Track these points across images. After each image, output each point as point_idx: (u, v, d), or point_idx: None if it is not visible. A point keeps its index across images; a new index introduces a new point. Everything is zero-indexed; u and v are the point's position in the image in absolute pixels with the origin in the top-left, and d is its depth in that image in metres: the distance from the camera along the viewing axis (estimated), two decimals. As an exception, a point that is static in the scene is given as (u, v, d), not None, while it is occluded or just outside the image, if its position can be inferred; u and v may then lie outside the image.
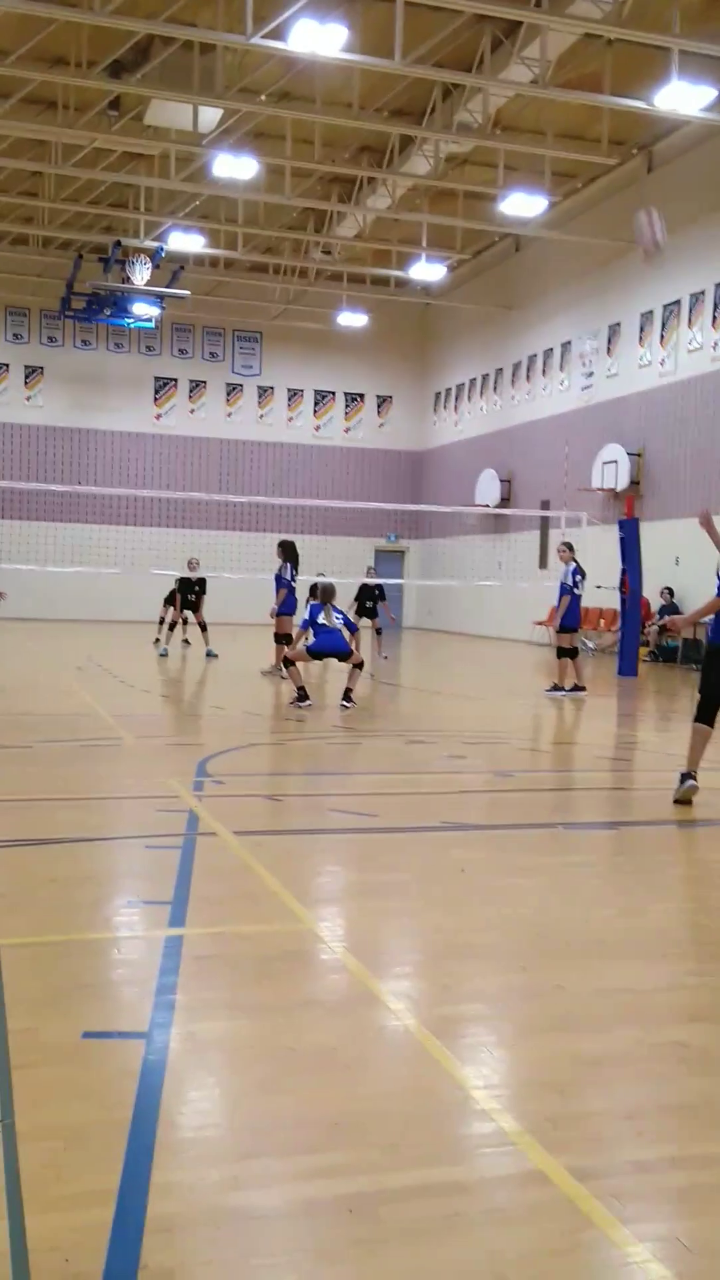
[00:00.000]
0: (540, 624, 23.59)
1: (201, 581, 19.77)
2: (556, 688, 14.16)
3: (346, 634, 12.06)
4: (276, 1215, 2.47)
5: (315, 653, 12.17)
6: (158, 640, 20.27)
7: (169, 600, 20.41)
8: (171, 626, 20.06)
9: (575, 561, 14.47)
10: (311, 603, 12.42)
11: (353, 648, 12.28)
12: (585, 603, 22.96)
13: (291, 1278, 2.25)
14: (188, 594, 19.85)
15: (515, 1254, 2.33)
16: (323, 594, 12.30)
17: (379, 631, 20.39)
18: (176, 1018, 3.50)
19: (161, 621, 20.61)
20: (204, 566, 20.29)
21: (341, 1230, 2.40)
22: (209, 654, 18.93)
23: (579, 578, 14.38)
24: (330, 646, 12.10)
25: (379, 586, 20.51)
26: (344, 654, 12.10)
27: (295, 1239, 2.38)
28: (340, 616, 12.22)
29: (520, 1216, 2.46)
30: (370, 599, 20.23)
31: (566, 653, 14.28)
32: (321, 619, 12.18)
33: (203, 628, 19.59)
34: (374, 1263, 2.29)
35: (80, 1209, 2.45)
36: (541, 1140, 2.78)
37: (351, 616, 14.73)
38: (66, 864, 5.45)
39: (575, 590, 14.32)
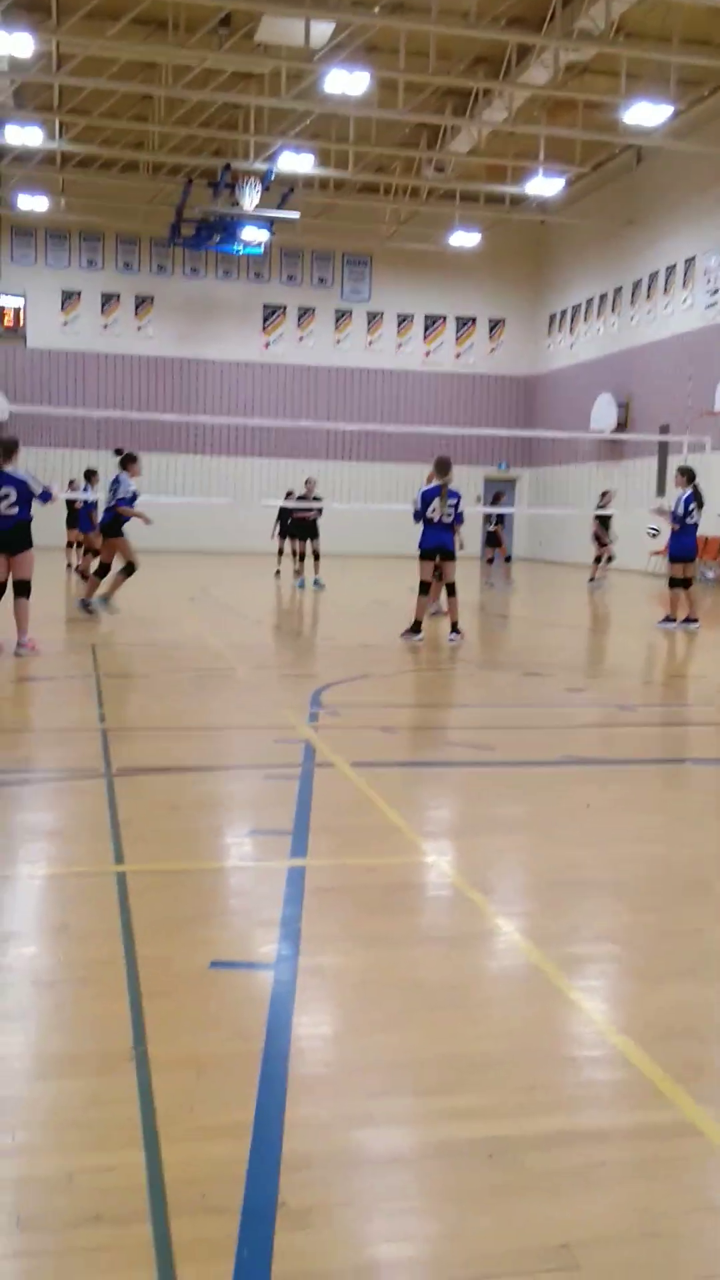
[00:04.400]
0: (656, 554, 22.96)
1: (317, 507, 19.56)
2: (669, 619, 13.71)
3: (454, 528, 11.45)
4: (414, 1157, 2.41)
5: (424, 552, 11.74)
6: (278, 572, 20.31)
7: (283, 532, 20.41)
8: (296, 556, 19.99)
9: (692, 488, 13.78)
10: (424, 488, 11.73)
11: (455, 547, 11.60)
12: (706, 531, 22.35)
13: (433, 1224, 2.19)
14: (295, 521, 19.73)
15: (667, 1209, 2.23)
16: (438, 469, 11.60)
17: (507, 559, 20.81)
18: (302, 949, 3.46)
19: (280, 553, 20.65)
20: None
21: (483, 1176, 2.33)
22: (317, 584, 18.90)
23: (691, 506, 13.67)
24: (436, 543, 11.57)
25: (500, 516, 20.64)
26: (449, 554, 11.63)
27: (435, 1183, 2.32)
28: (454, 501, 11.59)
29: (671, 1170, 2.36)
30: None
31: (678, 583, 13.73)
32: (435, 508, 11.55)
33: (315, 556, 19.53)
34: (519, 1211, 2.22)
35: (215, 1141, 2.43)
36: (688, 1089, 2.67)
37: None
38: (187, 793, 5.47)
39: (686, 519, 13.65)
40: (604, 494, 21.45)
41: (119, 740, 6.51)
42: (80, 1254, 2.07)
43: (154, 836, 4.67)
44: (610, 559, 21.24)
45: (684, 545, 13.70)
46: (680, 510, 13.62)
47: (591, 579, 21.19)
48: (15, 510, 9.76)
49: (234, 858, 4.55)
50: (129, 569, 12.79)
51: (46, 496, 9.91)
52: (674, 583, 13.77)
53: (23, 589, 9.85)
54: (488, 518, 21.02)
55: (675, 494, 13.91)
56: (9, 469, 9.80)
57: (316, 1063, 2.81)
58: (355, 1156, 2.39)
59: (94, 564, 14.44)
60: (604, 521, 20.94)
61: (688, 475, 13.86)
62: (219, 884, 4.16)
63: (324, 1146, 2.42)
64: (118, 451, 12.66)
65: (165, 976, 3.24)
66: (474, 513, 22.19)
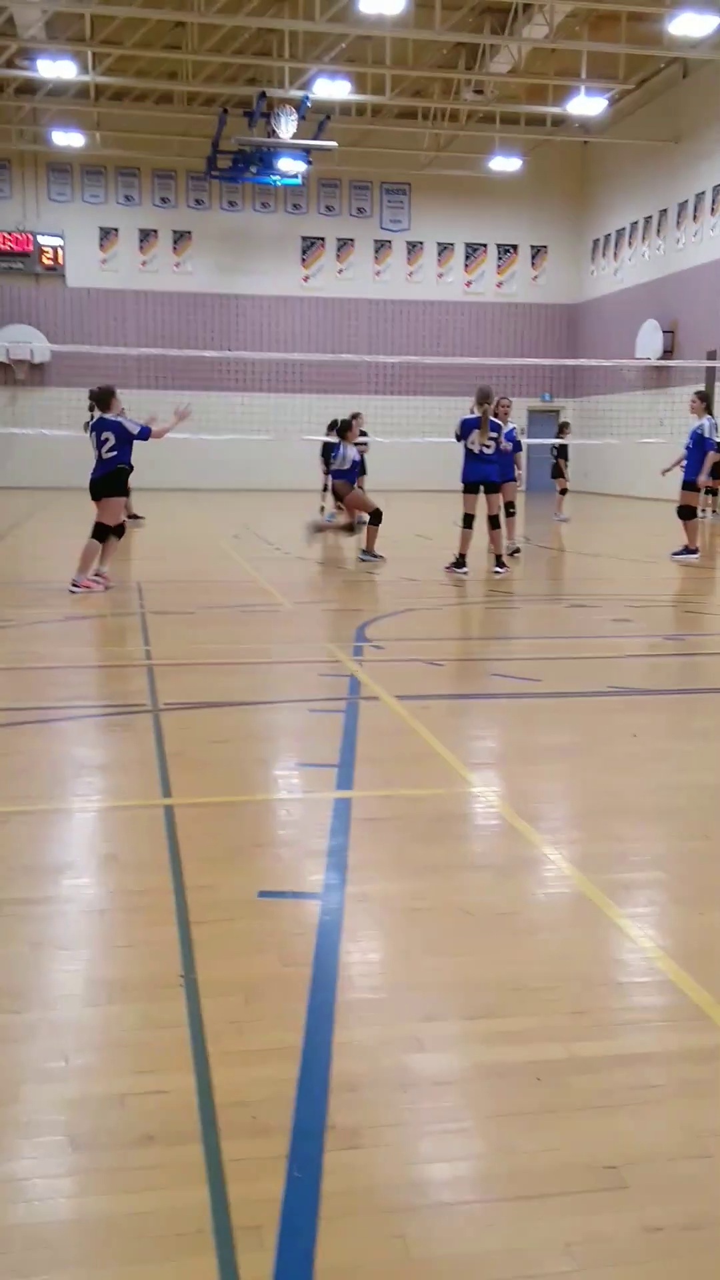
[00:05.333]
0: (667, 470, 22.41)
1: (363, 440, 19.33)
2: (688, 550, 13.45)
3: (503, 453, 11.18)
4: (462, 1079, 2.42)
5: (467, 485, 11.51)
6: (322, 509, 20.20)
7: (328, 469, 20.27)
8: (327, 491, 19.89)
9: (709, 416, 13.40)
10: (464, 417, 11.51)
11: (514, 475, 11.18)
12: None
13: (481, 1144, 2.21)
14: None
15: (714, 1128, 2.23)
16: (480, 399, 11.39)
17: (562, 492, 20.75)
18: (350, 878, 3.48)
19: (325, 489, 20.53)
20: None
21: (530, 1097, 2.34)
22: (360, 521, 18.77)
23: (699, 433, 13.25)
24: (479, 476, 11.35)
25: (563, 446, 20.56)
26: (494, 486, 11.41)
27: (483, 1104, 2.34)
28: (495, 433, 11.33)
29: (717, 1090, 2.35)
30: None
31: (686, 512, 13.43)
32: (474, 440, 11.29)
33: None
34: (567, 1131, 2.23)
35: (264, 1064, 2.46)
36: (735, 1014, 2.66)
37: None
38: (234, 726, 5.49)
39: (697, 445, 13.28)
40: (563, 425, 21.12)
41: (165, 676, 6.55)
42: (134, 1173, 2.11)
43: (201, 769, 4.70)
44: (563, 491, 20.85)
45: (691, 471, 13.33)
46: (688, 441, 13.28)
47: (558, 512, 20.78)
48: (114, 454, 10.00)
49: (280, 790, 4.57)
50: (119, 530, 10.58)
51: (145, 433, 10.07)
52: (688, 511, 13.44)
53: (98, 531, 10.04)
54: (550, 449, 20.83)
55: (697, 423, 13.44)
56: (107, 415, 10.08)
57: (364, 987, 2.83)
58: (403, 1079, 2.41)
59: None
60: (563, 452, 20.63)
61: (700, 398, 13.58)
62: (266, 816, 4.19)
63: (372, 1069, 2.44)
64: (92, 394, 10.72)
65: (213, 905, 3.27)
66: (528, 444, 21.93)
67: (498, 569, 11.52)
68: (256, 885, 3.42)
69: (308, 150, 27.27)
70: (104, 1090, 2.36)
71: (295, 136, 26.64)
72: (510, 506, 13.03)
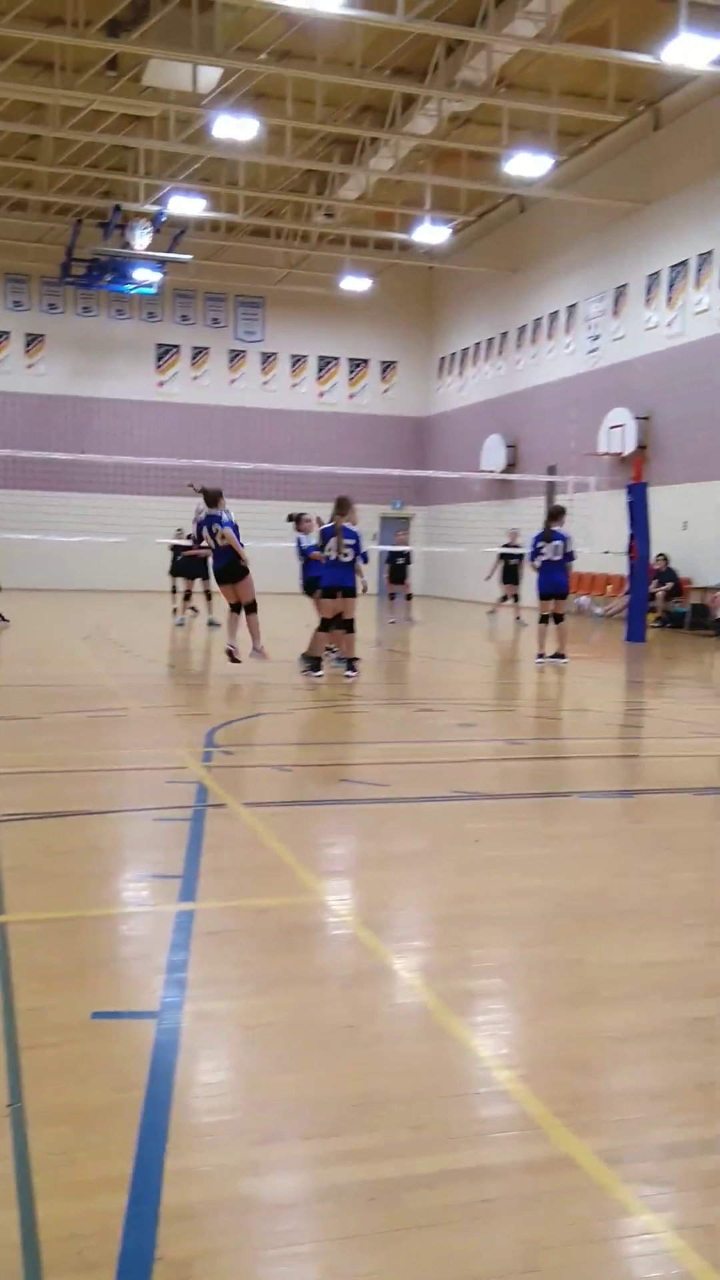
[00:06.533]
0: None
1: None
2: (541, 655, 14.07)
3: (355, 564, 11.56)
4: (297, 1202, 2.38)
5: (324, 590, 11.79)
6: (175, 610, 20.14)
7: (175, 570, 20.32)
8: (185, 596, 19.89)
9: (542, 528, 14.34)
10: (325, 526, 11.89)
11: (358, 586, 11.65)
12: (593, 568, 22.99)
13: (314, 1269, 2.17)
14: (185, 559, 19.62)
15: (546, 1243, 2.24)
16: (337, 508, 11.69)
17: (409, 597, 21.47)
18: (189, 995, 3.41)
19: (174, 591, 20.50)
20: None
21: (366, 1218, 2.31)
22: (211, 623, 18.82)
23: (539, 544, 14.19)
24: (335, 581, 11.62)
25: (406, 554, 21.22)
26: (349, 591, 11.66)
27: (318, 1228, 2.30)
28: (352, 541, 11.61)
29: (550, 1204, 2.37)
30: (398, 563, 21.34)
31: (543, 619, 14.23)
32: (331, 547, 11.59)
33: (207, 595, 19.43)
34: (401, 1252, 2.21)
35: (93, 1196, 2.37)
36: (568, 1123, 2.69)
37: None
38: (76, 837, 5.36)
39: (535, 559, 14.25)
40: (511, 532, 21.99)
41: (7, 784, 6.36)
42: (-51, 1323, 1.99)
43: (39, 883, 4.57)
44: (516, 598, 21.64)
45: (543, 582, 14.12)
46: (529, 550, 14.27)
47: (491, 611, 21.74)
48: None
49: (121, 904, 4.47)
50: None
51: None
52: (541, 619, 14.23)
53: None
54: (393, 555, 21.48)
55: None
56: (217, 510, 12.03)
57: (200, 1110, 2.76)
58: (238, 1204, 2.35)
59: None
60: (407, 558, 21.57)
61: (550, 514, 14.45)
62: (104, 931, 4.08)
63: (205, 1195, 2.38)
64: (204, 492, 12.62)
65: (45, 1028, 3.16)
66: (373, 550, 22.65)
67: (350, 673, 11.66)
68: (91, 1006, 3.32)
69: (163, 262, 27.79)
70: None
71: (150, 248, 27.15)
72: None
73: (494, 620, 21.32)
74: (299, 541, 13.32)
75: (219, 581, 12.19)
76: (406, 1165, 2.50)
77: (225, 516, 12.09)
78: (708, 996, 3.56)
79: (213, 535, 11.91)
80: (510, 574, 21.53)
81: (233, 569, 11.96)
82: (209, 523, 12.00)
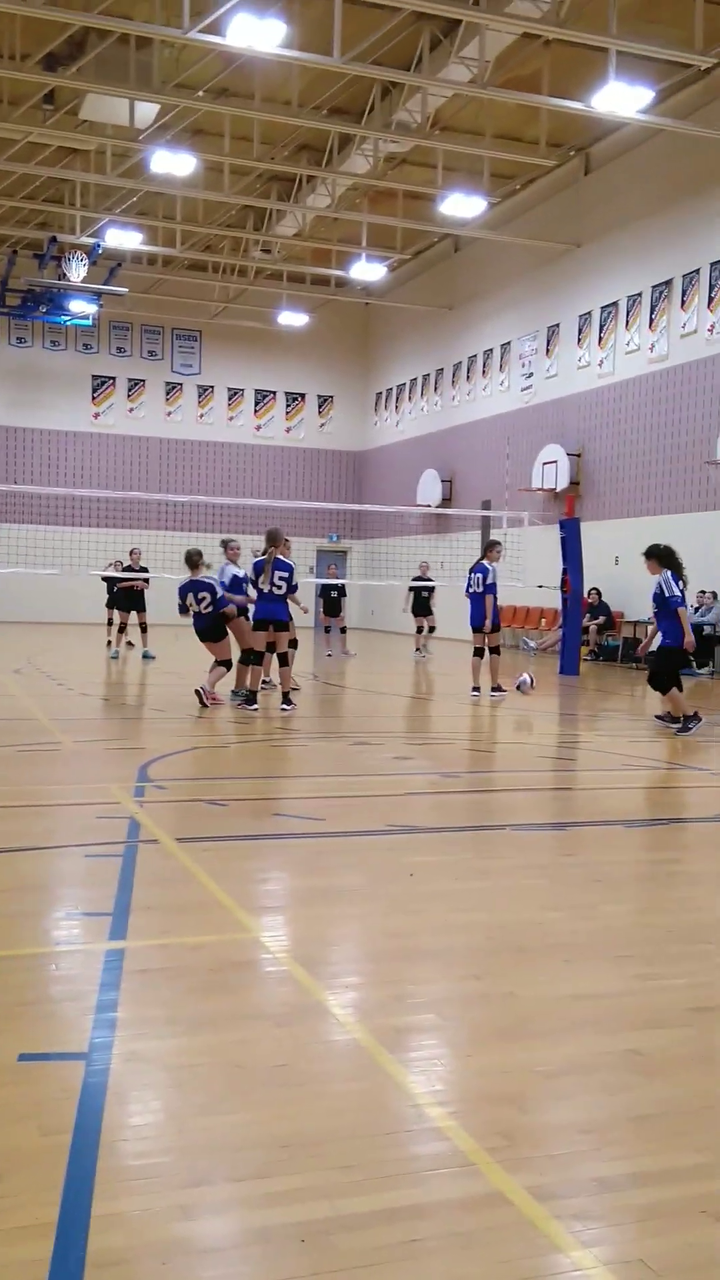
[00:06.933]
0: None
1: (143, 578, 19.39)
2: (475, 689, 14.20)
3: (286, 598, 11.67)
4: (227, 1246, 2.35)
5: (256, 623, 11.82)
6: (110, 643, 19.94)
7: (111, 603, 20.17)
8: (120, 629, 19.72)
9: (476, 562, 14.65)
10: (256, 559, 11.99)
11: (289, 619, 11.78)
12: (528, 602, 23.27)
13: (243, 1316, 2.13)
14: (121, 591, 19.50)
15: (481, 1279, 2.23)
16: (268, 539, 11.79)
17: (344, 630, 21.67)
18: (118, 1036, 3.36)
19: (110, 624, 20.32)
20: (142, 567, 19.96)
21: (297, 1260, 2.28)
22: (146, 656, 18.67)
23: (474, 577, 14.50)
24: (267, 614, 11.69)
25: (340, 587, 21.33)
26: (282, 625, 11.68)
27: (248, 1272, 2.26)
28: (286, 573, 11.65)
29: (481, 1241, 2.36)
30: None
31: (477, 652, 14.46)
32: (264, 579, 11.66)
33: (143, 628, 19.30)
34: (330, 1296, 2.18)
35: (17, 1244, 2.31)
36: (500, 1159, 2.69)
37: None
38: (5, 874, 5.27)
39: (467, 589, 14.55)
40: (423, 565, 22.30)
41: (-69, 823, 6.23)
42: None
43: (-35, 923, 4.47)
44: (432, 629, 21.88)
45: (470, 614, 14.39)
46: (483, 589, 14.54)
47: (417, 649, 21.78)
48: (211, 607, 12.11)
49: (50, 942, 4.39)
50: None
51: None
52: (475, 651, 14.41)
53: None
54: (327, 588, 21.57)
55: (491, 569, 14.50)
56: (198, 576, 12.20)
57: (128, 1154, 2.71)
58: (166, 1250, 2.31)
59: None
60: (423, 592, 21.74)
61: (484, 548, 14.77)
62: (32, 971, 4.00)
63: (133, 1241, 2.33)
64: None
65: (-30, 1072, 3.08)
66: (307, 583, 22.78)
67: (284, 706, 11.63)
68: (18, 1048, 3.26)
69: (99, 294, 27.74)
70: None
71: (86, 280, 27.08)
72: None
73: (424, 655, 21.44)
74: (223, 569, 13.18)
75: (200, 639, 12.30)
76: (338, 1206, 2.48)
77: (218, 578, 12.50)
78: (640, 1029, 3.58)
79: (198, 601, 12.10)
80: (420, 606, 21.79)
81: (214, 630, 12.14)
82: (192, 589, 12.14)
